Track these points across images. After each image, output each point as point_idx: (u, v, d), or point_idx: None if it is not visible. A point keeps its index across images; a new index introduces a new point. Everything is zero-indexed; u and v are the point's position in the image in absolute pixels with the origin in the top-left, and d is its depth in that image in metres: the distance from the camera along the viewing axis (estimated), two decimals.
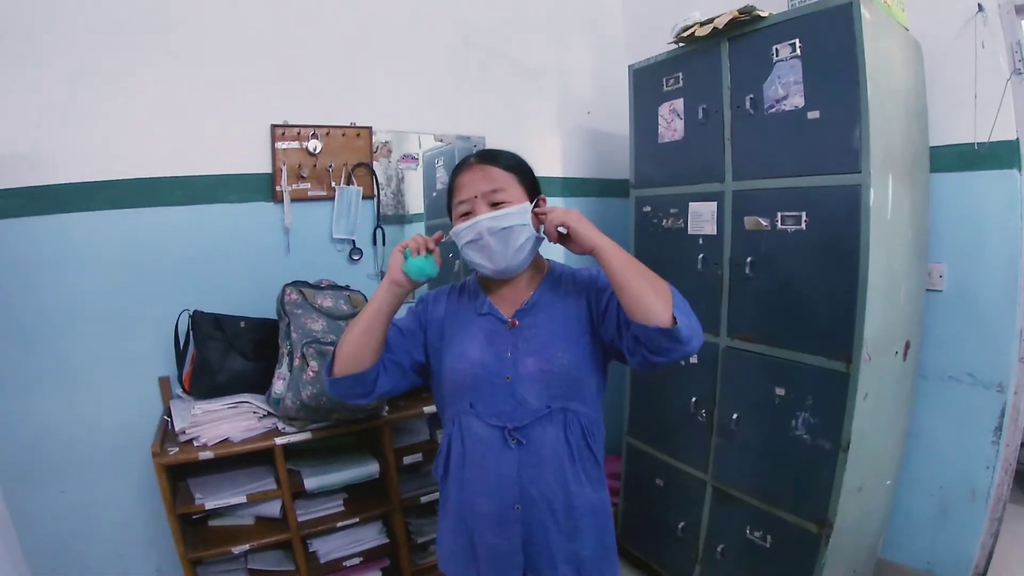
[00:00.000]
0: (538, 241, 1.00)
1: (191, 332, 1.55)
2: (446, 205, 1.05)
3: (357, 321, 0.97)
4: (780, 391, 1.49)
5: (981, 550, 1.70)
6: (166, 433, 1.44)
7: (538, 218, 0.98)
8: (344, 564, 1.55)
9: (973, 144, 1.60)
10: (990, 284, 1.62)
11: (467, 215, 0.97)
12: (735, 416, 1.60)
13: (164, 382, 1.61)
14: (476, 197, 0.96)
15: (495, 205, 0.96)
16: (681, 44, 1.69)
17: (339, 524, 1.51)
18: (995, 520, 1.70)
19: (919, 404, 1.75)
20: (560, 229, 0.95)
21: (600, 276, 1.03)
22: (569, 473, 0.99)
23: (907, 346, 1.59)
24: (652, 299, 0.89)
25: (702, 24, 1.55)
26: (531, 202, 0.99)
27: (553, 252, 1.09)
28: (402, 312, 1.05)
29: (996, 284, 1.61)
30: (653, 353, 0.91)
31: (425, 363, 1.06)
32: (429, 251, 0.96)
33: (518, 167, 1.01)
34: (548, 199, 1.07)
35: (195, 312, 1.54)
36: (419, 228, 2.04)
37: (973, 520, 1.68)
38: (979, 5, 1.56)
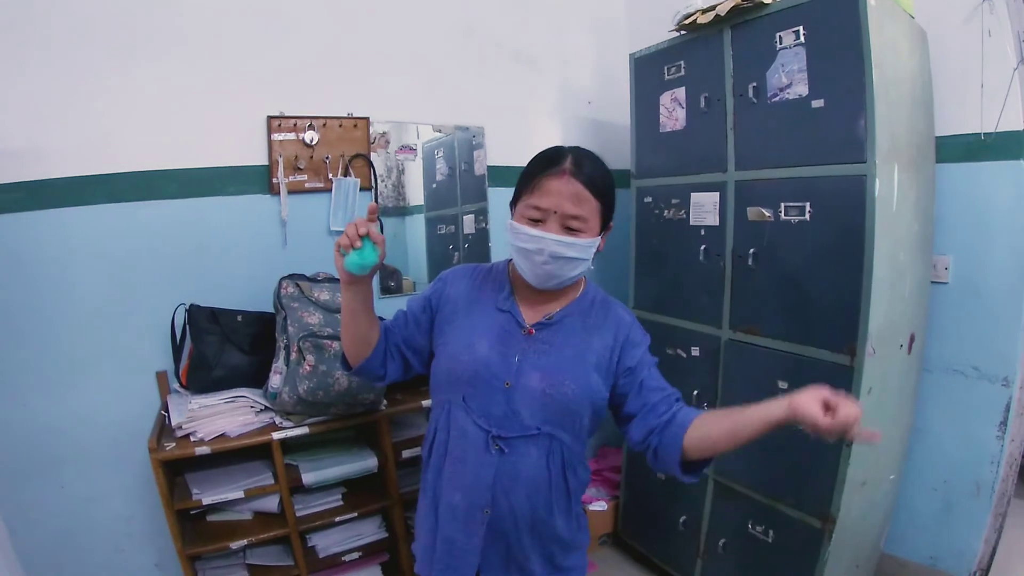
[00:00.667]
0: (585, 270, 0.97)
1: (187, 326, 1.53)
2: (517, 187, 0.98)
3: (342, 324, 1.02)
4: (783, 384, 1.47)
5: (985, 545, 1.69)
6: (163, 428, 1.43)
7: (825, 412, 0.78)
8: (343, 559, 1.54)
9: (980, 134, 1.58)
10: (996, 277, 1.60)
11: (537, 222, 0.92)
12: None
13: (161, 376, 1.60)
14: (556, 213, 0.91)
15: (570, 229, 0.92)
16: (683, 32, 1.66)
17: (338, 519, 1.50)
18: (999, 515, 1.69)
19: (923, 398, 1.73)
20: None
21: (634, 324, 1.03)
22: (542, 499, 0.97)
23: (912, 339, 1.57)
24: (708, 456, 0.92)
25: (704, 11, 1.52)
26: (603, 230, 0.96)
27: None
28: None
29: (1002, 277, 1.59)
30: (656, 461, 0.96)
31: (430, 345, 1.05)
32: (365, 236, 0.90)
33: (607, 194, 0.95)
34: None
35: (191, 306, 1.53)
36: (419, 221, 2.02)
37: (977, 515, 1.67)
38: None
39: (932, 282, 1.67)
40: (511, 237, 0.95)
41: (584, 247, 0.93)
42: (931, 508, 1.75)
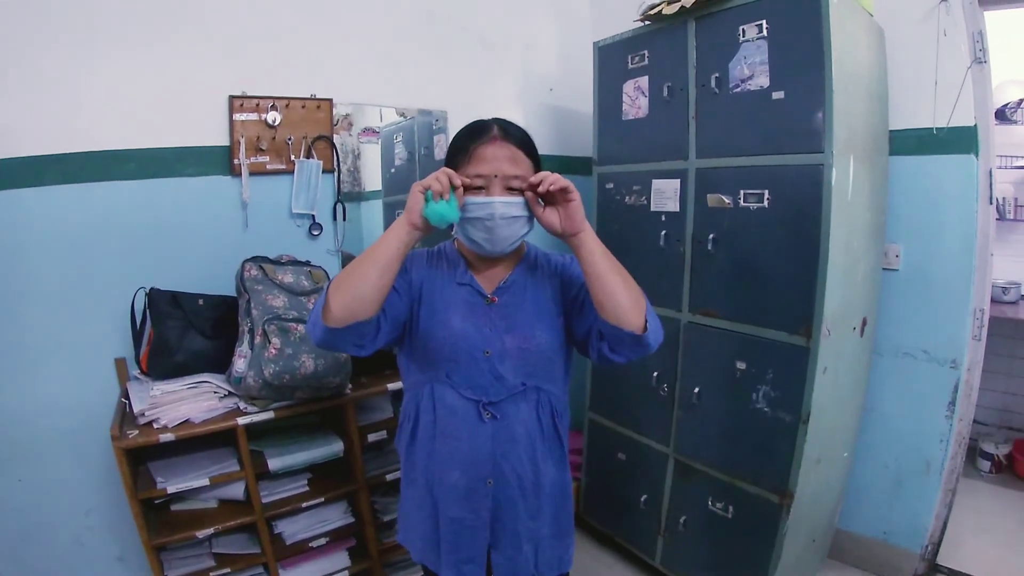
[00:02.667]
0: (530, 228, 1.00)
1: (148, 311, 1.49)
2: (448, 166, 0.97)
3: (367, 260, 0.88)
4: (741, 365, 1.52)
5: (936, 520, 1.78)
6: (124, 416, 1.39)
7: (535, 189, 0.93)
8: (310, 545, 1.53)
9: (932, 129, 1.64)
10: (945, 264, 1.67)
11: (479, 190, 0.94)
12: (696, 390, 1.63)
13: (120, 363, 1.56)
14: (496, 177, 0.93)
15: (510, 189, 0.94)
16: (647, 22, 1.68)
17: (304, 504, 1.49)
18: (949, 491, 1.78)
19: (875, 379, 1.81)
20: (561, 203, 0.91)
21: (572, 264, 1.05)
22: (539, 451, 1.01)
23: (864, 323, 1.64)
24: (625, 299, 0.91)
25: (669, 2, 1.54)
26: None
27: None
28: None
29: (951, 264, 1.66)
30: (613, 351, 0.96)
31: (405, 320, 1.02)
32: (453, 190, 0.89)
33: (535, 154, 0.99)
34: None
35: (151, 290, 1.49)
36: (376, 206, 1.99)
37: (927, 492, 1.76)
38: None
39: (884, 269, 1.74)
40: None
41: (523, 205, 0.95)
42: (883, 485, 1.84)
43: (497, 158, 0.94)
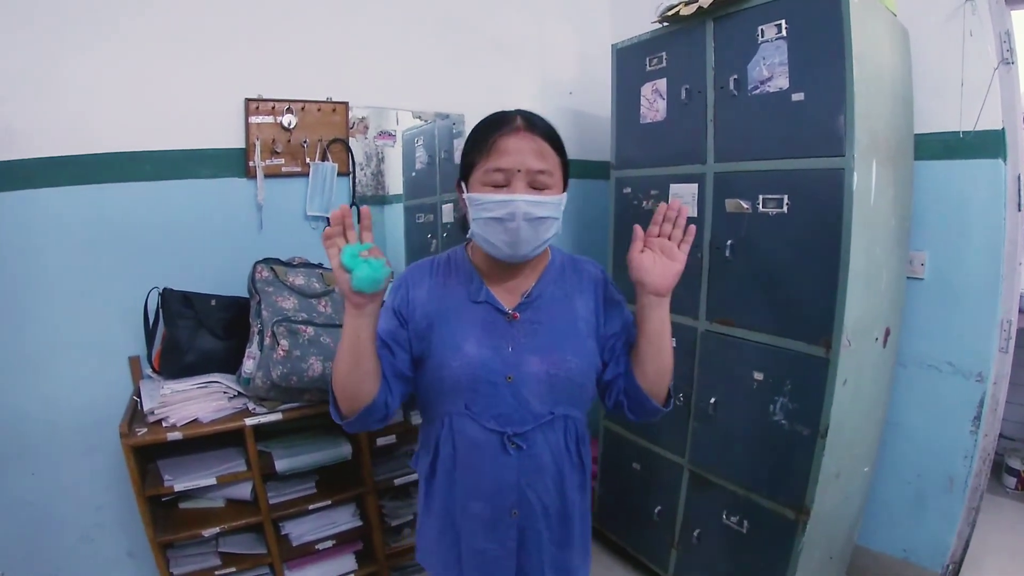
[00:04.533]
0: (558, 230, 0.90)
1: (160, 310, 1.51)
2: (465, 160, 0.90)
3: (338, 357, 0.83)
4: (758, 376, 1.48)
5: (958, 539, 1.71)
6: (135, 413, 1.40)
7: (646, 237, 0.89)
8: (316, 547, 1.52)
9: (958, 133, 1.59)
10: (971, 273, 1.62)
11: (500, 187, 0.84)
12: (712, 400, 1.59)
13: (134, 361, 1.57)
14: (519, 171, 0.83)
15: (536, 187, 0.85)
16: (665, 23, 1.66)
17: (311, 507, 1.48)
18: (972, 509, 1.71)
19: (898, 392, 1.75)
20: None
21: (608, 283, 0.98)
22: (567, 480, 0.95)
23: (887, 333, 1.59)
24: (668, 376, 0.91)
25: (687, 3, 1.52)
26: (563, 191, 0.90)
27: None
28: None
29: (977, 273, 1.61)
30: (631, 411, 0.95)
31: (417, 359, 0.94)
32: (358, 247, 0.77)
33: (563, 150, 0.90)
34: None
35: (164, 290, 1.50)
36: (398, 210, 1.99)
37: (950, 509, 1.69)
38: None
39: (908, 277, 1.69)
40: (473, 211, 0.87)
41: (555, 204, 0.86)
42: (904, 501, 1.78)
43: (520, 150, 0.84)
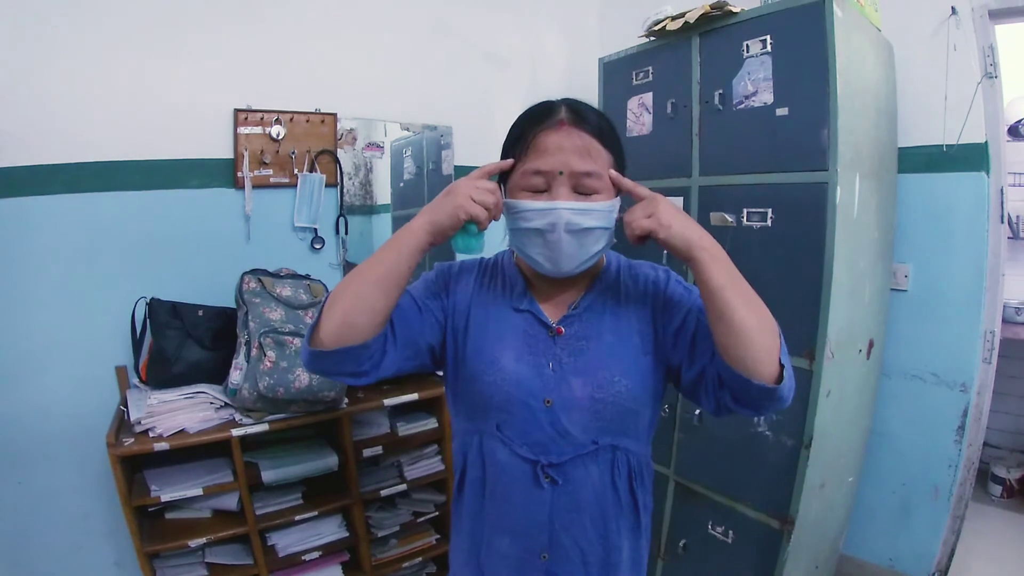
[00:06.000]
0: (609, 242, 0.78)
1: (148, 320, 1.50)
2: (504, 156, 0.79)
3: (364, 273, 0.70)
4: None
5: (943, 547, 1.73)
6: (122, 423, 1.40)
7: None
8: (303, 558, 1.52)
9: (942, 146, 1.61)
10: (955, 285, 1.64)
11: (540, 193, 0.73)
12: (697, 412, 1.59)
13: (121, 371, 1.57)
14: (562, 174, 0.72)
15: (582, 192, 0.73)
16: (652, 38, 1.67)
17: (297, 517, 1.48)
18: (957, 518, 1.73)
19: (882, 402, 1.77)
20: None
21: (670, 281, 0.82)
22: (611, 524, 0.80)
23: (871, 344, 1.60)
24: (758, 340, 0.66)
25: (674, 18, 1.54)
26: (618, 195, 0.76)
27: None
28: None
29: (961, 285, 1.63)
30: (739, 403, 0.71)
31: (441, 352, 0.82)
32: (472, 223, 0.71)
33: (617, 144, 0.77)
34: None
35: (152, 300, 1.50)
36: (385, 220, 2.00)
37: (935, 518, 1.71)
38: (952, 8, 1.57)
39: (892, 289, 1.71)
40: (510, 220, 0.76)
41: (604, 213, 0.73)
42: (889, 510, 1.79)
43: (563, 149, 0.72)
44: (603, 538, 0.80)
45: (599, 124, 0.76)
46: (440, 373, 0.87)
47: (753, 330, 0.67)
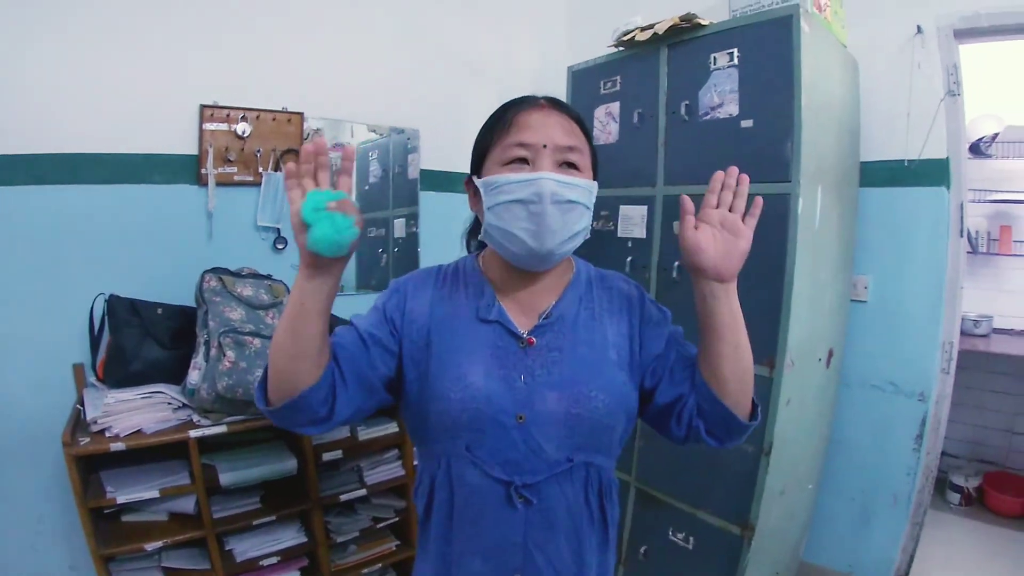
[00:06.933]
0: (588, 226, 0.76)
1: (107, 317, 1.47)
2: (477, 148, 0.77)
3: (278, 330, 0.68)
4: None
5: (903, 553, 1.76)
6: (78, 422, 1.37)
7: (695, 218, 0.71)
8: (261, 563, 1.49)
9: (904, 161, 1.65)
10: (914, 297, 1.68)
11: (524, 163, 0.71)
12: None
13: (78, 369, 1.53)
14: (545, 147, 0.70)
15: (563, 167, 0.72)
16: (621, 48, 1.69)
17: (256, 522, 1.46)
18: (916, 525, 1.76)
19: (842, 411, 1.80)
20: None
21: (645, 301, 0.82)
22: (585, 540, 0.78)
23: (831, 354, 1.63)
24: (749, 383, 0.72)
25: (643, 29, 1.55)
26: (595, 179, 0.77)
27: None
28: (367, 305, 0.80)
29: (920, 297, 1.67)
30: (711, 435, 0.74)
31: (399, 378, 0.77)
32: (328, 197, 0.61)
33: (590, 133, 0.78)
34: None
35: (111, 296, 1.47)
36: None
37: (895, 524, 1.74)
38: (918, 27, 1.61)
39: (852, 300, 1.74)
40: (489, 198, 0.72)
41: (586, 189, 0.72)
42: (849, 517, 1.82)
43: (547, 124, 0.71)
44: (577, 555, 0.77)
45: (577, 115, 0.76)
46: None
47: (750, 369, 0.72)
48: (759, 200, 0.73)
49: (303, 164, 0.63)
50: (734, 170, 0.73)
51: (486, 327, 0.75)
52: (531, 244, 0.71)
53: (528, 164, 0.71)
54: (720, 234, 0.71)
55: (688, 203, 0.70)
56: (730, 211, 0.72)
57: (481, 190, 0.73)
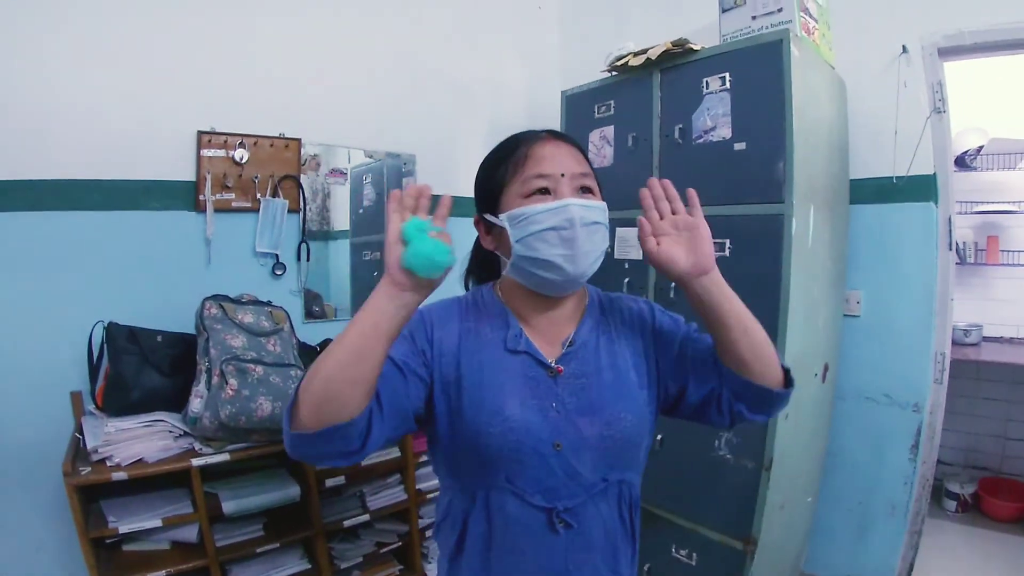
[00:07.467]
0: (607, 246, 0.80)
1: (105, 345, 1.47)
2: (488, 186, 0.78)
3: (340, 344, 0.63)
4: None
5: (902, 562, 1.78)
6: (78, 451, 1.36)
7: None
8: None
9: (892, 178, 1.69)
10: (906, 310, 1.71)
11: (545, 193, 0.73)
12: (659, 437, 1.62)
13: (76, 397, 1.52)
14: (564, 175, 0.73)
15: (581, 193, 0.75)
16: (614, 73, 1.72)
17: (259, 549, 1.45)
18: (915, 533, 1.78)
19: (838, 424, 1.82)
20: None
21: (655, 312, 0.85)
22: (621, 555, 0.80)
23: (826, 368, 1.66)
24: (769, 353, 0.73)
25: (636, 54, 1.58)
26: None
27: None
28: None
29: (911, 310, 1.70)
30: (754, 411, 0.77)
31: (428, 412, 0.76)
32: (425, 225, 0.63)
33: (590, 161, 0.82)
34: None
35: (110, 324, 1.46)
36: (343, 246, 1.98)
37: (893, 534, 1.76)
38: (903, 47, 1.66)
39: (845, 315, 1.77)
40: (517, 231, 0.73)
41: (603, 209, 0.76)
42: (848, 528, 1.84)
43: (558, 155, 0.75)
44: (613, 572, 0.79)
45: (578, 143, 0.81)
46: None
47: (765, 341, 0.74)
48: (692, 192, 0.76)
49: (407, 199, 0.65)
50: (654, 182, 0.76)
51: (514, 358, 0.76)
52: (567, 268, 0.73)
53: (550, 194, 0.74)
54: (680, 235, 0.73)
55: (646, 225, 0.74)
56: (673, 213, 0.75)
57: (506, 224, 0.74)
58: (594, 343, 0.79)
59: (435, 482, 1.70)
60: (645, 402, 0.79)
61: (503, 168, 0.76)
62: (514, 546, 0.75)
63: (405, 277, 0.62)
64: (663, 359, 0.81)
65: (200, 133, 1.62)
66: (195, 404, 1.39)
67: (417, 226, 0.62)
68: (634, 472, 0.81)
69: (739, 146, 1.43)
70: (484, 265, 0.88)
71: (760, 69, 1.40)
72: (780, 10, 1.43)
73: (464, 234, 0.80)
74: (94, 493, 1.38)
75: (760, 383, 0.73)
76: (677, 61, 1.53)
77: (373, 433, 0.67)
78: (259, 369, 1.38)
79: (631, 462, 0.79)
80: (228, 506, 1.40)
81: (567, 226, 0.71)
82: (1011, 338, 2.55)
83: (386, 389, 0.69)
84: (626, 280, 1.69)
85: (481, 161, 0.82)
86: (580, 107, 1.83)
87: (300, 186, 1.80)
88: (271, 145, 1.72)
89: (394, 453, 1.67)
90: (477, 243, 0.87)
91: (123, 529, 1.30)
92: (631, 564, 0.83)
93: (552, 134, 0.79)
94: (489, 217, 0.77)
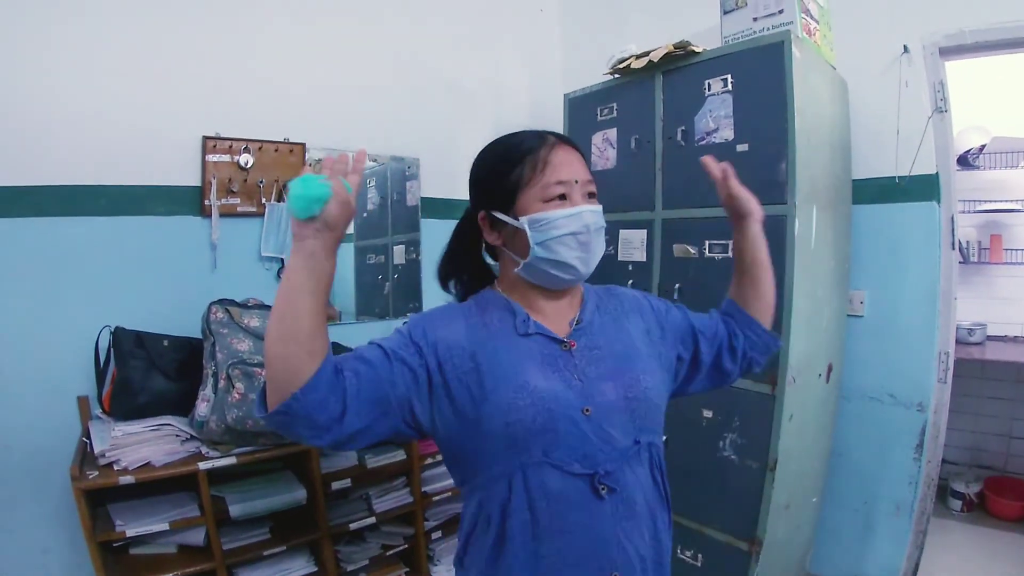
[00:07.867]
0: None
1: (112, 349, 1.48)
2: (502, 184, 0.80)
3: (272, 311, 0.66)
4: (708, 413, 1.53)
5: (907, 562, 1.78)
6: (85, 456, 1.37)
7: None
8: None
9: (894, 178, 1.69)
10: (909, 309, 1.71)
11: (563, 199, 0.78)
12: (664, 438, 1.62)
13: (83, 401, 1.53)
14: (576, 182, 0.79)
15: (588, 198, 0.81)
16: (616, 75, 1.72)
17: (265, 552, 1.46)
18: (920, 533, 1.78)
19: (842, 424, 1.82)
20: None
21: (649, 296, 0.94)
22: (659, 520, 0.81)
23: (830, 368, 1.66)
24: (774, 295, 0.95)
25: (638, 57, 1.59)
26: None
27: None
28: (370, 334, 0.84)
29: (915, 309, 1.70)
30: (761, 358, 0.96)
31: (432, 411, 0.76)
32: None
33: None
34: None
35: (116, 328, 1.47)
36: (348, 249, 1.99)
37: (898, 533, 1.76)
38: (904, 47, 1.66)
39: (848, 315, 1.77)
40: (538, 233, 0.76)
41: (602, 214, 0.84)
42: (854, 528, 1.84)
43: (571, 162, 0.80)
44: (656, 539, 0.81)
45: (579, 147, 0.87)
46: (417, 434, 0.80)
47: (773, 287, 0.96)
48: (726, 165, 0.98)
49: (338, 163, 0.70)
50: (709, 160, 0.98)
51: (528, 340, 0.79)
52: (581, 269, 0.80)
53: (566, 200, 0.79)
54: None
55: (730, 168, 0.97)
56: None
57: (526, 227, 0.78)
58: (599, 323, 0.85)
59: (441, 484, 1.71)
60: (657, 370, 0.85)
61: (520, 169, 0.79)
62: (562, 525, 0.75)
63: (298, 227, 0.64)
64: (668, 331, 0.89)
65: (205, 138, 1.64)
66: (202, 408, 1.40)
67: (301, 179, 0.62)
68: (658, 435, 0.84)
69: (741, 147, 1.43)
70: (464, 256, 0.90)
71: (762, 70, 1.40)
72: (781, 11, 1.44)
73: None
74: (101, 497, 1.39)
75: (766, 328, 0.93)
76: (679, 63, 1.54)
77: (348, 414, 0.68)
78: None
79: (655, 424, 0.83)
80: (235, 509, 1.41)
81: (584, 231, 0.78)
82: (1015, 337, 2.55)
83: (368, 372, 0.71)
84: (630, 282, 1.70)
85: (478, 156, 0.85)
86: (582, 110, 1.84)
87: None
88: (276, 150, 1.73)
89: (400, 456, 1.67)
90: (457, 235, 0.90)
91: (130, 532, 1.31)
92: (668, 529, 0.85)
93: (560, 138, 0.83)
94: (502, 216, 0.80)
